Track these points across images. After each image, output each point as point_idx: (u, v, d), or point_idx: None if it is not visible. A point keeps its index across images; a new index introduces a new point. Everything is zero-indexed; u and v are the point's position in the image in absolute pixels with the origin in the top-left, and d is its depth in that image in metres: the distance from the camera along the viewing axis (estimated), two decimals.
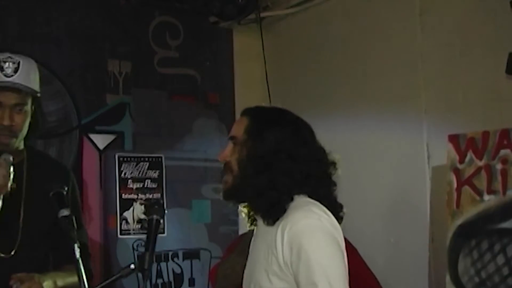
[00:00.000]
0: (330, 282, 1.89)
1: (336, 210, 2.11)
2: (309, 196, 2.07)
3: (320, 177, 2.11)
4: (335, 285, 1.90)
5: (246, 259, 2.82)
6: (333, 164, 2.16)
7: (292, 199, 2.04)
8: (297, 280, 1.95)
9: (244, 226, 4.55)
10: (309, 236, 1.94)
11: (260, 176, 2.03)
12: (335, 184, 2.16)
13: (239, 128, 2.14)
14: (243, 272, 2.24)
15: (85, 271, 2.12)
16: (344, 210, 2.17)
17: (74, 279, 2.16)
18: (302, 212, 1.99)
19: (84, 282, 2.04)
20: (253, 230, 2.27)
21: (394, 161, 3.90)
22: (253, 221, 2.21)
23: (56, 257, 2.24)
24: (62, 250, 2.26)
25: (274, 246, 1.98)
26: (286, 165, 2.03)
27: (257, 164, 2.04)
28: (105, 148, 4.37)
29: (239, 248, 3.05)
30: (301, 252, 1.93)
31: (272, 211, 2.02)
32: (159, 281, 4.46)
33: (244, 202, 2.16)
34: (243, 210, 2.21)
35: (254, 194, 2.05)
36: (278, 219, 2.01)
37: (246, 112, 2.20)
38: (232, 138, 2.15)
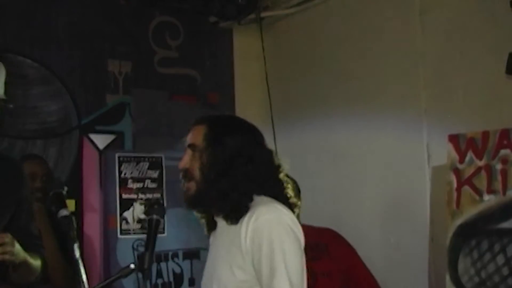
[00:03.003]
0: (288, 272, 2.01)
1: (291, 207, 2.22)
2: (265, 194, 2.18)
3: (275, 178, 2.22)
4: (293, 277, 2.02)
5: None
6: (280, 166, 2.26)
7: (252, 199, 2.15)
8: (258, 271, 2.05)
9: None
10: (271, 229, 2.06)
11: (223, 180, 2.13)
12: (283, 184, 2.26)
13: (197, 136, 2.24)
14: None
15: (43, 261, 2.27)
16: (296, 210, 2.30)
17: (37, 262, 2.31)
18: (266, 207, 2.11)
19: (84, 282, 2.04)
20: None
21: (394, 161, 3.90)
22: (212, 227, 2.29)
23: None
24: (23, 243, 2.29)
25: (238, 239, 2.08)
26: (246, 169, 2.15)
27: (219, 169, 2.14)
28: (105, 148, 4.37)
29: None
30: (262, 244, 2.04)
31: (236, 211, 2.13)
32: (159, 281, 4.45)
33: (207, 208, 2.24)
34: (202, 218, 2.32)
35: (218, 197, 2.14)
36: (241, 217, 2.11)
37: (202, 120, 2.29)
38: (191, 146, 2.24)
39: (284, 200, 2.20)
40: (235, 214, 2.12)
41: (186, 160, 2.23)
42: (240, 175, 2.14)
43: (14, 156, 3.88)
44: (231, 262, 2.10)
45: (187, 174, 2.21)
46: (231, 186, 2.12)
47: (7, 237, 2.17)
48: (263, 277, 2.04)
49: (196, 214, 2.33)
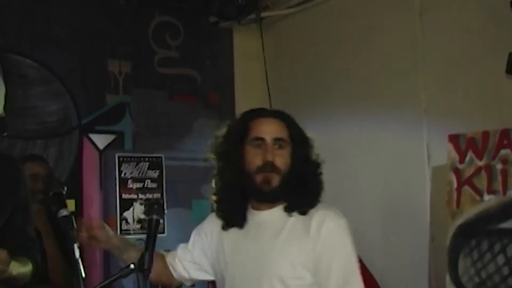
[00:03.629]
0: (360, 283, 2.11)
1: None
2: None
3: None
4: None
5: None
6: None
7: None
8: (325, 274, 2.08)
9: None
10: (342, 237, 2.13)
11: (314, 178, 2.21)
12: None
13: (282, 131, 2.23)
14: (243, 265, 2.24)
15: (35, 264, 2.23)
16: None
17: (25, 269, 2.25)
18: (332, 212, 2.17)
19: (84, 282, 2.04)
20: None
21: (394, 161, 3.90)
22: (239, 221, 2.25)
23: (9, 250, 2.24)
24: (14, 245, 2.27)
25: (306, 237, 2.10)
26: (319, 167, 2.24)
27: (305, 165, 2.20)
28: (105, 148, 4.38)
29: None
30: (336, 249, 2.10)
31: (309, 203, 2.18)
32: None
33: (279, 199, 2.21)
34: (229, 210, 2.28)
35: (308, 193, 2.19)
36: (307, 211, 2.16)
37: (277, 115, 2.28)
38: (280, 139, 2.21)
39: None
40: (308, 207, 2.16)
41: (273, 153, 2.18)
42: (318, 171, 2.22)
43: (14, 155, 3.90)
44: (294, 260, 2.11)
45: (273, 166, 2.17)
46: (320, 184, 2.21)
47: (2, 254, 2.15)
48: (331, 281, 2.08)
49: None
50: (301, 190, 2.18)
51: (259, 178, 2.17)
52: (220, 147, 2.30)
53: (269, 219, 2.19)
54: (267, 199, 2.20)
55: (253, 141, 2.20)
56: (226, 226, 2.27)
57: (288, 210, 2.18)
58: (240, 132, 2.24)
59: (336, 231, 2.12)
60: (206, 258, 2.37)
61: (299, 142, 2.22)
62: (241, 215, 2.24)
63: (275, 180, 2.16)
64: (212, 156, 2.34)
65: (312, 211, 2.15)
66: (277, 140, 2.19)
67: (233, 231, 2.26)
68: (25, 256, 2.30)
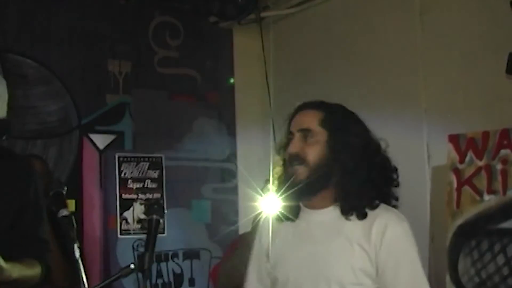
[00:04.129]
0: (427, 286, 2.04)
1: (395, 206, 2.19)
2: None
3: (394, 174, 2.22)
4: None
5: (247, 258, 2.80)
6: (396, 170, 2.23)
7: (388, 195, 2.12)
8: (391, 282, 2.00)
9: (244, 226, 4.55)
10: (407, 243, 2.04)
11: (358, 170, 2.05)
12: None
13: (312, 121, 2.11)
14: (290, 267, 2.15)
15: (44, 267, 2.20)
16: None
17: (32, 271, 2.21)
18: (395, 215, 2.07)
19: (84, 282, 2.04)
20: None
21: (394, 161, 3.89)
22: (294, 214, 2.16)
23: (17, 252, 2.22)
24: (23, 246, 2.26)
25: (367, 242, 2.01)
26: (378, 159, 2.12)
27: (352, 157, 2.05)
28: (105, 148, 4.38)
29: (240, 247, 3.05)
30: (400, 257, 2.02)
31: (369, 205, 2.05)
32: (159, 281, 4.46)
33: (311, 194, 2.10)
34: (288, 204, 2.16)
35: (354, 186, 2.05)
36: (366, 213, 2.04)
37: (313, 106, 2.16)
38: (305, 130, 2.10)
39: (396, 199, 2.16)
40: (365, 210, 2.04)
41: (299, 144, 2.08)
42: (373, 165, 2.08)
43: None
44: (354, 265, 2.01)
45: (298, 158, 2.07)
46: (368, 177, 2.06)
47: None
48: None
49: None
50: (349, 188, 2.05)
51: (288, 172, 2.09)
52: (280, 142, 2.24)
53: (322, 219, 2.11)
54: (296, 194, 2.08)
55: (288, 137, 2.16)
56: (279, 221, 2.18)
57: (345, 212, 2.06)
58: (286, 129, 2.19)
59: (400, 237, 2.03)
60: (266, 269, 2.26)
61: (334, 131, 2.08)
62: (292, 211, 2.15)
63: (301, 173, 2.06)
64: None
65: (372, 213, 2.04)
66: (302, 131, 2.10)
67: (285, 226, 2.17)
68: (34, 259, 2.27)
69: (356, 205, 2.05)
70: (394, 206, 2.16)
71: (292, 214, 2.15)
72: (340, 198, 2.08)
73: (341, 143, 2.07)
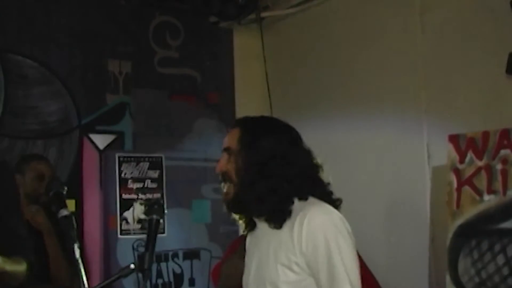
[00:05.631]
0: (348, 274, 2.02)
1: (335, 204, 2.20)
2: (305, 196, 2.16)
3: (314, 178, 2.21)
4: (352, 278, 2.03)
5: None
6: (321, 166, 2.25)
7: (292, 202, 2.13)
8: (316, 273, 2.05)
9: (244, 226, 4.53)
10: (327, 231, 2.05)
11: (259, 183, 2.12)
12: (328, 183, 2.24)
13: (232, 139, 2.21)
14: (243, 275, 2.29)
15: (27, 262, 2.25)
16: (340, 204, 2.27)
17: (20, 267, 2.26)
18: (317, 208, 2.10)
19: (84, 282, 2.04)
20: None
21: (394, 161, 3.90)
22: (251, 226, 2.27)
23: (2, 251, 2.24)
24: (8, 246, 2.27)
25: (290, 240, 2.07)
26: (282, 170, 2.13)
27: (255, 172, 2.13)
28: (105, 148, 4.38)
29: (241, 247, 3.05)
30: (319, 246, 2.04)
31: (276, 215, 2.12)
32: (159, 281, 4.46)
33: (246, 211, 2.22)
34: (239, 218, 2.29)
35: (256, 200, 2.13)
36: (284, 221, 2.11)
37: (237, 123, 2.28)
38: (227, 149, 2.22)
39: (329, 199, 2.19)
40: (276, 218, 2.11)
41: (223, 163, 2.20)
42: (276, 176, 2.12)
43: (14, 156, 3.90)
44: (281, 264, 2.09)
45: (225, 177, 2.19)
46: (268, 189, 2.11)
47: None
48: (321, 280, 2.04)
49: (233, 215, 2.30)
50: (257, 201, 2.13)
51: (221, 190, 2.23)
52: None
53: (263, 227, 2.20)
54: (229, 210, 2.22)
55: None
56: (247, 231, 2.32)
57: (267, 222, 2.16)
58: None
59: (319, 228, 2.05)
60: None
61: (245, 147, 2.17)
62: (250, 222, 2.27)
63: (228, 189, 2.18)
64: None
65: (297, 209, 2.10)
66: (225, 149, 2.22)
67: (249, 236, 2.34)
68: (19, 256, 2.30)
69: (267, 217, 2.14)
70: (334, 201, 2.20)
71: (251, 227, 2.27)
72: (258, 213, 2.18)
73: (243, 159, 2.16)
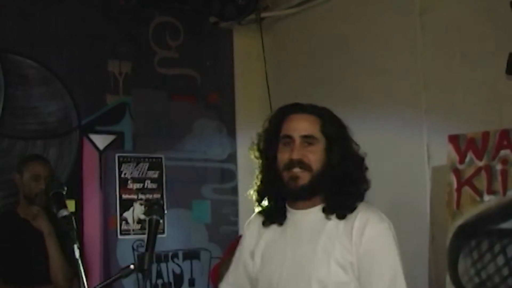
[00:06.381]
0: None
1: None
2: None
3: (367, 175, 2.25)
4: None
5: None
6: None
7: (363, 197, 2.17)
8: (368, 280, 2.03)
9: (243, 226, 4.53)
10: (386, 242, 2.09)
11: (355, 173, 2.17)
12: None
13: (313, 127, 2.17)
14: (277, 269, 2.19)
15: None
16: None
17: None
18: (376, 214, 2.13)
19: (84, 282, 2.04)
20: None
21: (394, 161, 3.90)
22: (278, 219, 2.22)
23: None
24: None
25: (348, 240, 2.05)
26: (362, 166, 2.22)
27: (344, 163, 2.14)
28: (105, 148, 4.38)
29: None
30: (378, 255, 2.05)
31: (349, 207, 2.12)
32: (159, 281, 4.45)
33: (313, 196, 2.16)
34: (268, 207, 2.24)
35: (341, 191, 2.13)
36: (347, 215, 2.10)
37: (310, 110, 2.21)
38: (308, 137, 2.15)
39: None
40: (347, 211, 2.11)
41: (301, 150, 2.13)
42: (359, 171, 2.18)
43: (14, 156, 3.90)
44: (336, 261, 2.05)
45: (303, 164, 2.12)
46: (361, 183, 2.17)
47: None
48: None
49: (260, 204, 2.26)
50: (338, 190, 2.12)
51: (286, 175, 2.13)
52: (259, 144, 2.27)
53: (307, 220, 2.16)
54: (294, 197, 2.16)
55: (283, 139, 2.18)
56: (266, 222, 2.25)
57: (326, 212, 2.12)
58: (274, 129, 2.22)
59: (379, 236, 2.07)
60: (246, 272, 2.33)
61: (334, 138, 2.15)
62: (279, 213, 2.22)
63: (304, 178, 2.11)
64: (253, 152, 2.28)
65: (354, 212, 2.10)
66: (305, 137, 2.14)
67: (272, 228, 2.24)
68: None
69: (341, 205, 2.12)
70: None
71: (279, 218, 2.21)
72: (331, 200, 2.14)
73: (342, 152, 2.15)
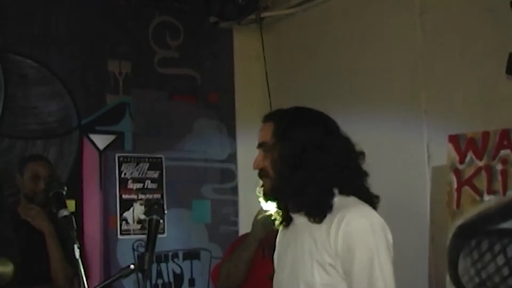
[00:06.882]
0: (385, 285, 2.05)
1: (372, 201, 2.17)
2: (345, 187, 2.11)
3: (353, 166, 2.17)
4: None
5: (247, 258, 2.82)
6: (362, 154, 2.23)
7: (333, 194, 2.09)
8: (349, 279, 2.00)
9: (244, 226, 4.55)
10: (367, 238, 2.01)
11: (296, 174, 2.07)
12: (366, 174, 2.22)
13: (266, 134, 2.18)
14: (273, 274, 2.25)
15: (14, 263, 2.28)
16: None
17: (6, 269, 2.32)
18: (356, 210, 2.05)
19: (84, 283, 2.04)
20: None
21: (394, 161, 3.90)
22: (287, 221, 2.22)
23: None
24: None
25: (327, 240, 2.02)
26: (319, 160, 2.08)
27: (291, 163, 2.08)
28: (105, 148, 4.38)
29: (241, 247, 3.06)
30: (356, 252, 1.98)
31: (318, 207, 2.06)
32: (159, 281, 4.46)
33: (284, 203, 2.18)
34: (276, 213, 2.23)
35: (295, 192, 2.09)
36: (325, 214, 2.05)
37: (269, 117, 2.23)
38: (261, 145, 2.18)
39: (366, 193, 2.16)
40: (317, 211, 2.06)
41: (259, 160, 2.17)
42: (313, 166, 2.06)
43: (14, 156, 3.90)
44: (317, 261, 2.03)
45: (262, 173, 2.16)
46: (306, 180, 2.06)
47: None
48: (354, 285, 1.99)
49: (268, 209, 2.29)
50: (298, 191, 2.08)
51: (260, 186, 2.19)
52: None
53: (299, 222, 2.16)
54: (273, 202, 2.19)
55: None
56: (278, 224, 2.27)
57: (307, 214, 2.10)
58: None
59: (355, 233, 1.99)
60: None
61: (279, 140, 2.12)
62: (283, 216, 2.22)
63: (266, 184, 2.14)
64: None
65: (336, 210, 2.05)
66: (260, 146, 2.19)
67: (281, 232, 2.30)
68: (5, 257, 2.31)
69: (302, 206, 2.10)
70: (370, 198, 2.17)
71: (285, 221, 2.22)
72: (293, 202, 2.14)
73: (279, 152, 2.12)
